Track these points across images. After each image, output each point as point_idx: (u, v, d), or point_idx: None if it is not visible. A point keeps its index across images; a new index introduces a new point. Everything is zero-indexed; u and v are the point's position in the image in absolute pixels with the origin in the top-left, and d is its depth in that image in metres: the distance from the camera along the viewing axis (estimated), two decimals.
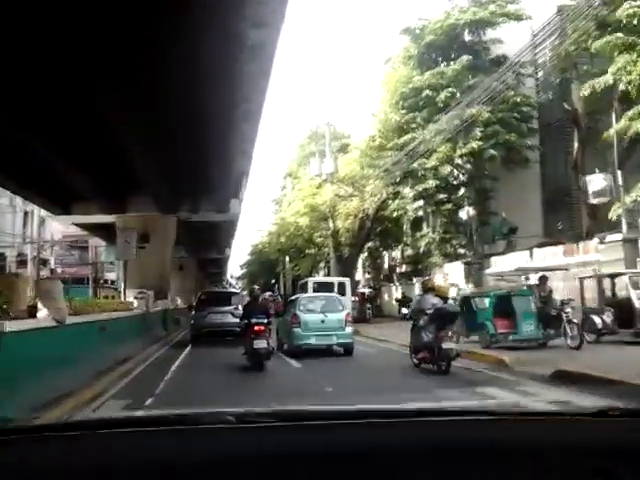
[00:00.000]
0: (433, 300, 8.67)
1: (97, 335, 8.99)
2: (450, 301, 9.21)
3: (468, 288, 17.89)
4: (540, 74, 19.14)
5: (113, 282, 46.79)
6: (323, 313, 11.74)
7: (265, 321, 9.72)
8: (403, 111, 19.60)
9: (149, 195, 16.85)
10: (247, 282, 54.44)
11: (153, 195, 16.83)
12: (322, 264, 31.70)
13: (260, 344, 9.35)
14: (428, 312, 8.45)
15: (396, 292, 26.87)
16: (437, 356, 8.16)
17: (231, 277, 79.89)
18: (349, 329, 11.50)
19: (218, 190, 17.44)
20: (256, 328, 9.62)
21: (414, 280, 23.99)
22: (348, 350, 11.23)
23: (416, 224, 23.02)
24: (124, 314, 12.10)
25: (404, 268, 28.48)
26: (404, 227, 24.57)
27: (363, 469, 1.09)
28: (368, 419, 1.27)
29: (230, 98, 10.30)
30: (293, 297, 14.25)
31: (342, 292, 16.78)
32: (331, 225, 24.12)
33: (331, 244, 24.57)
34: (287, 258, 36.03)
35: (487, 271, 16.63)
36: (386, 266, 31.70)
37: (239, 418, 1.26)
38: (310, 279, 20.45)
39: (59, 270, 32.46)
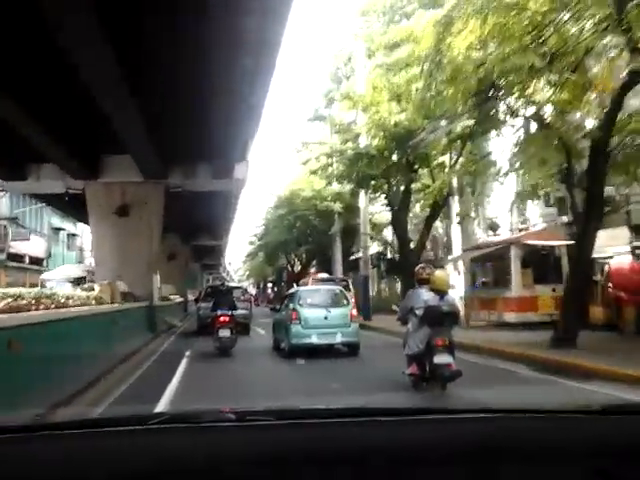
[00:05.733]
0: (425, 296, 7.44)
1: None
2: (449, 297, 7.85)
3: None
4: None
5: (37, 261, 32.03)
6: (325, 308, 12.14)
7: (229, 313, 12.43)
8: None
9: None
10: (262, 261, 45.33)
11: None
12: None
13: (224, 333, 11.92)
14: (417, 312, 7.36)
15: None
16: (429, 373, 7.24)
17: (229, 264, 70.13)
18: (354, 325, 12.25)
19: None
20: (221, 319, 12.19)
21: None
22: (354, 349, 11.97)
23: None
24: None
25: None
26: None
27: (364, 467, 1.21)
28: (369, 417, 1.40)
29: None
30: (292, 290, 14.91)
31: None
32: None
33: None
34: (362, 199, 22.74)
35: None
36: None
37: (239, 416, 1.41)
38: None
39: None
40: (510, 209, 17.98)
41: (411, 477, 1.20)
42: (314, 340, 11.65)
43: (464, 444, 1.25)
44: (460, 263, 23.14)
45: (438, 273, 8.02)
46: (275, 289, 55.53)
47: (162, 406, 7.78)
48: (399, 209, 19.68)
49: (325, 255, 32.57)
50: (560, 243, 15.39)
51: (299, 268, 39.29)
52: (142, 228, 18.46)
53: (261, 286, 67.39)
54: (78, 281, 21.48)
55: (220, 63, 10.94)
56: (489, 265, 18.24)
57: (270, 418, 1.38)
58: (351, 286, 22.41)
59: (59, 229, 44.89)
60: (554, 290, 15.14)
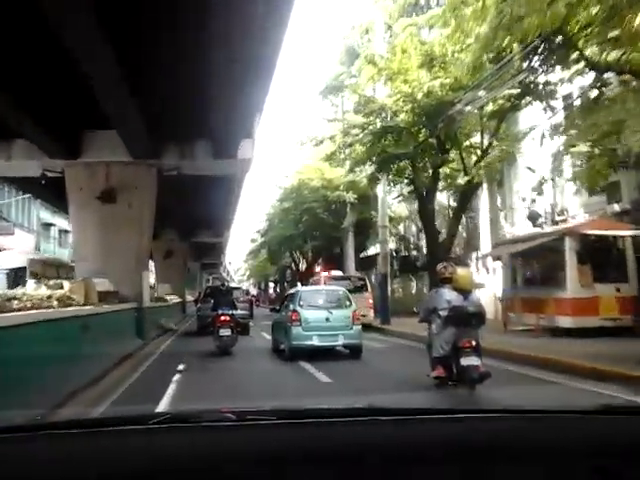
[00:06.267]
0: (448, 296, 7.26)
1: None
2: (473, 296, 7.71)
3: None
4: None
5: None
6: (327, 309, 11.89)
7: (230, 312, 12.63)
8: None
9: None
10: (264, 259, 44.21)
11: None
12: None
13: (225, 332, 12.07)
14: (441, 313, 7.17)
15: None
16: (456, 375, 7.05)
17: (229, 264, 69.76)
18: (357, 327, 11.85)
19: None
20: (222, 318, 12.33)
21: None
22: (356, 352, 11.72)
23: None
24: None
25: None
26: None
27: (365, 467, 1.21)
28: (369, 417, 1.41)
29: None
30: (292, 290, 14.94)
31: None
32: None
33: None
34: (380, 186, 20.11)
35: None
36: None
37: (239, 416, 1.42)
38: None
39: None
40: (575, 193, 15.58)
41: (409, 476, 1.21)
42: (315, 342, 11.46)
43: (461, 443, 1.25)
44: (489, 259, 20.87)
45: (461, 272, 7.88)
46: (277, 289, 55.06)
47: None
48: (426, 196, 17.26)
49: (332, 252, 30.70)
50: (629, 233, 12.97)
51: (304, 266, 36.84)
52: (131, 217, 15.51)
53: (262, 286, 65.65)
54: (17, 273, 18.01)
55: (219, 62, 10.01)
56: (534, 260, 15.67)
57: (270, 418, 1.40)
58: (369, 286, 20.98)
59: (50, 224, 42.72)
60: (618, 290, 12.96)
